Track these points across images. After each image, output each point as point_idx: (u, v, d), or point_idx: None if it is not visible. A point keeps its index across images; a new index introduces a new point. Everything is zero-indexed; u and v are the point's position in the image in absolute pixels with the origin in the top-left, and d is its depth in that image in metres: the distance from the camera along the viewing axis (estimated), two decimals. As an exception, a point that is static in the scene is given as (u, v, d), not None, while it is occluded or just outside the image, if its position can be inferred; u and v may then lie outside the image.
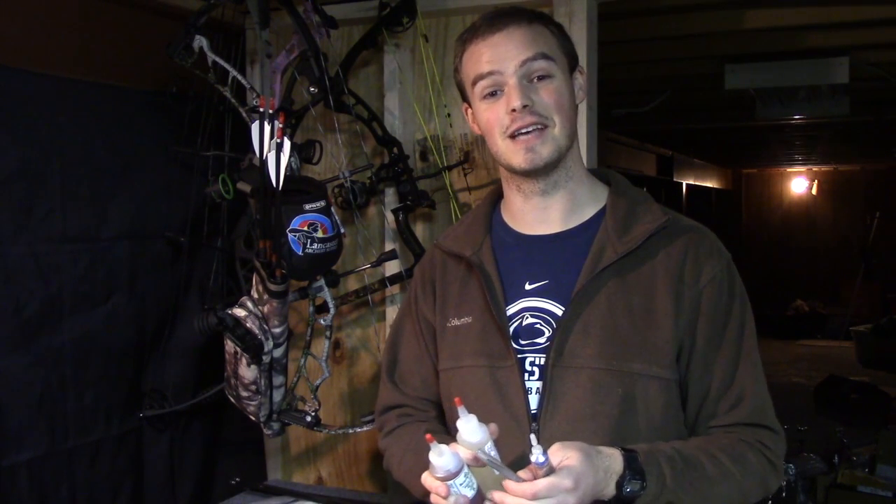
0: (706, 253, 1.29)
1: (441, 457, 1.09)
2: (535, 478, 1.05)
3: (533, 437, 1.07)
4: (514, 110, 1.24)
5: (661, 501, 1.14)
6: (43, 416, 1.87)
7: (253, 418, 1.92)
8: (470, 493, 1.11)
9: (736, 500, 1.23)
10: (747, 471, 1.22)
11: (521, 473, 1.06)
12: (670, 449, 1.19)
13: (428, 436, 1.09)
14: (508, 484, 1.05)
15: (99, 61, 1.99)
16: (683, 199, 9.52)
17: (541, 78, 1.26)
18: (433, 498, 1.14)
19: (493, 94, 1.27)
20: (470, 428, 1.11)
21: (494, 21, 1.28)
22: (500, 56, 1.25)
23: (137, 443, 2.13)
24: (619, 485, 1.11)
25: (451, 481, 1.10)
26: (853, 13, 2.97)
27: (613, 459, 1.12)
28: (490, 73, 1.26)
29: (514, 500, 1.04)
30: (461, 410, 1.12)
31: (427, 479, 1.13)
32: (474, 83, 1.29)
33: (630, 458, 1.13)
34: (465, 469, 1.11)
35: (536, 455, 1.05)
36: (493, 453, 1.12)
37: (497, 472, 1.06)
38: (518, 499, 1.04)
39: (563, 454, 1.07)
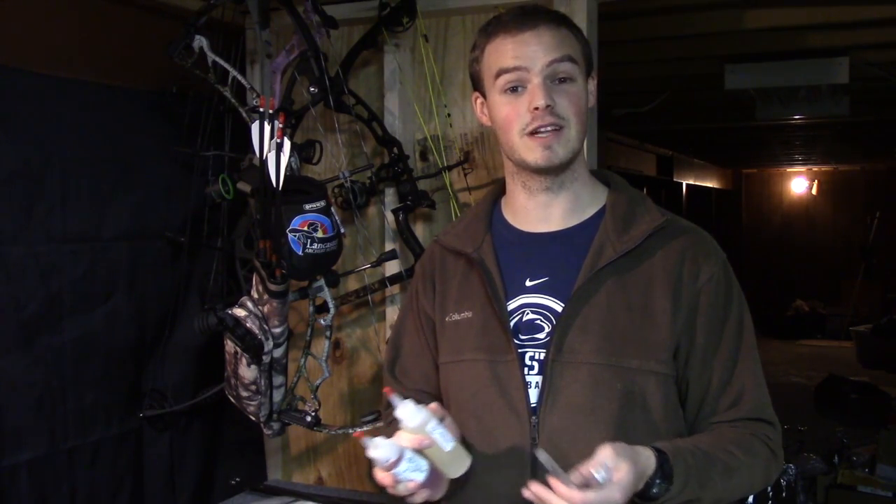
0: (704, 253, 1.31)
1: (377, 449, 1.12)
2: (588, 486, 1.07)
3: (604, 456, 1.08)
4: (536, 108, 1.25)
5: (681, 498, 1.16)
6: (43, 416, 1.87)
7: (253, 418, 1.92)
8: (419, 477, 1.14)
9: (746, 490, 1.27)
10: (756, 462, 1.26)
11: (574, 478, 1.07)
12: (692, 446, 1.21)
13: (356, 433, 1.13)
14: (558, 486, 1.06)
15: (99, 61, 1.99)
16: (683, 199, 9.52)
17: (563, 80, 1.28)
18: (388, 490, 1.18)
19: (514, 90, 1.29)
20: (408, 413, 1.14)
21: (525, 18, 1.29)
22: (527, 54, 1.27)
23: (137, 443, 2.13)
24: (648, 485, 1.13)
25: (395, 470, 1.13)
26: (853, 13, 2.97)
27: (649, 464, 1.14)
28: (516, 69, 1.27)
29: (558, 502, 1.06)
30: (393, 398, 1.16)
31: (376, 473, 1.17)
32: (497, 76, 1.30)
33: (662, 461, 1.15)
34: (408, 455, 1.13)
35: (601, 475, 1.06)
36: (439, 431, 1.15)
37: (550, 471, 1.07)
38: (564, 502, 1.06)
39: (615, 464, 1.09)
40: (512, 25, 1.29)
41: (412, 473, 1.14)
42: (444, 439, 1.16)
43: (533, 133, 1.27)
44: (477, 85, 1.38)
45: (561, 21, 1.31)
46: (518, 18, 1.29)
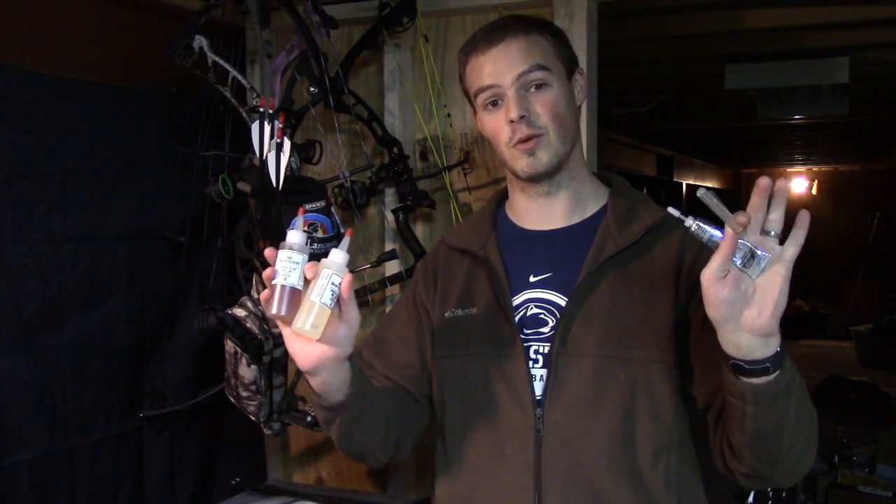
0: (701, 244, 1.31)
1: (292, 231, 1.14)
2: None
3: None
4: (512, 121, 1.29)
5: (779, 389, 1.11)
6: (43, 416, 1.87)
7: (253, 418, 1.92)
8: (282, 280, 1.13)
9: (810, 435, 1.16)
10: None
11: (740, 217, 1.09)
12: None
13: (301, 209, 1.18)
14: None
15: (99, 61, 1.99)
16: (683, 199, 9.52)
17: (538, 87, 1.30)
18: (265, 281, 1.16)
19: (494, 104, 1.33)
20: (337, 253, 1.15)
21: (492, 34, 1.33)
22: (498, 69, 1.30)
23: (137, 443, 2.13)
24: (778, 351, 1.13)
25: (279, 253, 1.13)
26: (853, 13, 2.97)
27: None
28: (490, 86, 1.31)
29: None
30: (347, 241, 1.16)
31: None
32: (476, 95, 1.35)
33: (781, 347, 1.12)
34: (296, 257, 1.13)
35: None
36: (331, 286, 1.13)
37: (715, 209, 1.10)
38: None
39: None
40: (482, 43, 1.33)
41: (284, 272, 1.13)
42: (325, 292, 1.13)
43: (517, 144, 1.31)
44: (469, 100, 1.42)
45: (530, 29, 1.33)
46: (487, 35, 1.33)
